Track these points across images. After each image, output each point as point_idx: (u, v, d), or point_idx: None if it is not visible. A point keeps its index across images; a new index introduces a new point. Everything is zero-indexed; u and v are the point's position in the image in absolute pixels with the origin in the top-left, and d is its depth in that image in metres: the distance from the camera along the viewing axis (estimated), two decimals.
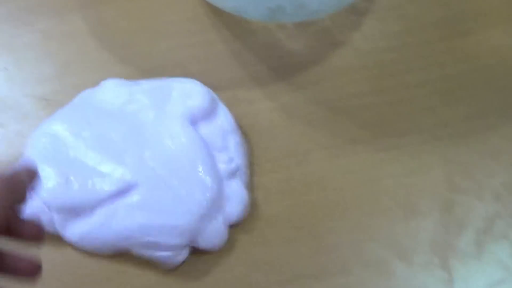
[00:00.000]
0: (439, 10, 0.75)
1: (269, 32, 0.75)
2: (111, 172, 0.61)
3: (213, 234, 0.61)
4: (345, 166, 0.67)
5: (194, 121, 0.64)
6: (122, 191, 0.60)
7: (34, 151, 0.63)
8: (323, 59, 0.73)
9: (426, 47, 0.73)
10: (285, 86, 0.71)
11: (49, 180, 0.60)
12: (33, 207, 0.60)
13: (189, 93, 0.66)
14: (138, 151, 0.62)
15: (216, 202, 0.61)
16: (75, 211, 0.61)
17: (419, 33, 0.74)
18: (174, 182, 0.60)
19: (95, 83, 0.71)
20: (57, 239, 0.62)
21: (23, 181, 0.47)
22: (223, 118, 0.66)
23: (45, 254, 0.50)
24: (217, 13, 0.76)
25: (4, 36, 0.76)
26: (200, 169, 0.61)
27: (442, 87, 0.71)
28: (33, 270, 0.48)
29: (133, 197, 0.60)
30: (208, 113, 0.65)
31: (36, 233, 0.49)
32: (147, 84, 0.67)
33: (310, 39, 0.74)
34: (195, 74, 0.71)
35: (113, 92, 0.67)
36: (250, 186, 0.66)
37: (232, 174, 0.63)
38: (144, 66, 0.73)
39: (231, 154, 0.64)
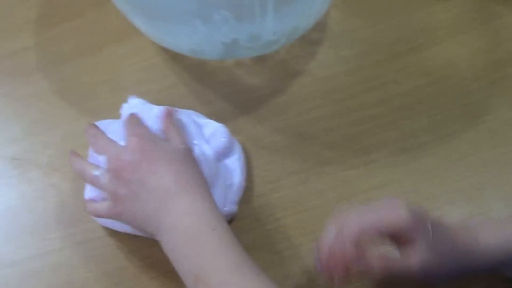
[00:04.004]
0: (388, 32, 0.78)
1: (227, 70, 0.77)
2: None
3: None
4: (317, 188, 0.68)
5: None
6: None
7: None
8: (283, 89, 0.75)
9: (381, 67, 0.76)
10: (250, 120, 0.73)
11: None
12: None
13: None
14: None
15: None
16: None
17: (372, 55, 0.77)
18: None
19: (64, 138, 0.73)
20: None
21: None
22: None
23: None
24: (175, 59, 0.78)
25: None
26: None
27: (401, 102, 0.73)
28: None
29: None
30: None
31: None
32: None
33: (268, 73, 0.76)
34: None
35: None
36: None
37: None
38: (111, 116, 0.73)
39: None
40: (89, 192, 0.66)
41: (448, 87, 0.74)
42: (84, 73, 0.78)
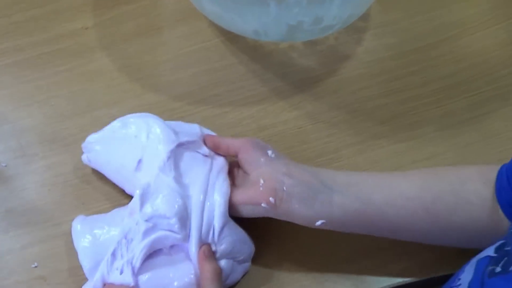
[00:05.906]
0: (425, 23, 0.87)
1: (282, 53, 0.84)
2: None
3: None
4: (372, 158, 0.75)
5: None
6: None
7: None
8: (334, 71, 0.82)
9: (420, 53, 0.84)
10: (307, 97, 0.80)
11: None
12: None
13: None
14: None
15: None
16: None
17: (412, 43, 0.85)
18: None
19: (130, 111, 0.77)
20: None
21: None
22: None
23: None
24: (233, 40, 0.84)
25: (33, 78, 0.81)
26: None
27: (442, 85, 0.81)
28: None
29: None
30: None
31: None
32: None
33: (319, 56, 0.83)
34: (222, 93, 0.79)
35: None
36: None
37: None
38: (173, 92, 0.79)
39: None
40: None
41: (481, 72, 0.82)
42: (146, 52, 0.83)
